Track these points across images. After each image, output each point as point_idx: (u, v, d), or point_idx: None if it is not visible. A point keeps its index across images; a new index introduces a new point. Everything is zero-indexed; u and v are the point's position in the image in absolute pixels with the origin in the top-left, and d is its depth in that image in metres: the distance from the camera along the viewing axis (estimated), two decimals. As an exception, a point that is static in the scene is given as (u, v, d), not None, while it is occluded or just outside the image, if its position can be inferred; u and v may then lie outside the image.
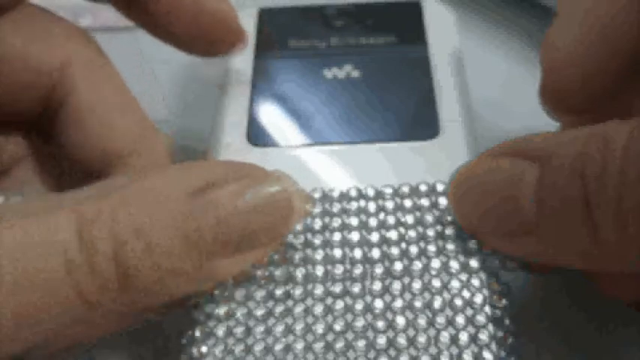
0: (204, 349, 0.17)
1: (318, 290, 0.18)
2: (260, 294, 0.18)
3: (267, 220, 0.17)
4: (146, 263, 0.16)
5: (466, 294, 0.18)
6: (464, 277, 0.18)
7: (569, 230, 0.15)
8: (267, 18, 0.25)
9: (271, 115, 0.22)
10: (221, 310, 0.18)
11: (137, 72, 0.25)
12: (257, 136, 0.22)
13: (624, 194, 0.14)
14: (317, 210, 0.19)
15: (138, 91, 0.22)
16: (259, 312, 0.18)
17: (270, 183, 0.17)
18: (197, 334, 0.18)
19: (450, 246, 0.19)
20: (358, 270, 0.18)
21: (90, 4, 0.23)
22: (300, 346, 0.17)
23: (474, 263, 0.18)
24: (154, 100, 0.27)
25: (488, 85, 0.26)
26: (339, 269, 0.18)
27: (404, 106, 0.22)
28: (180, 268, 0.16)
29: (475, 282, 0.18)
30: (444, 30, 0.24)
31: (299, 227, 0.19)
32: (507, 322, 0.18)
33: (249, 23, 0.25)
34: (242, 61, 0.24)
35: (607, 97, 0.18)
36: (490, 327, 0.17)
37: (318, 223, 0.19)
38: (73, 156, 0.20)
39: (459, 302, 0.18)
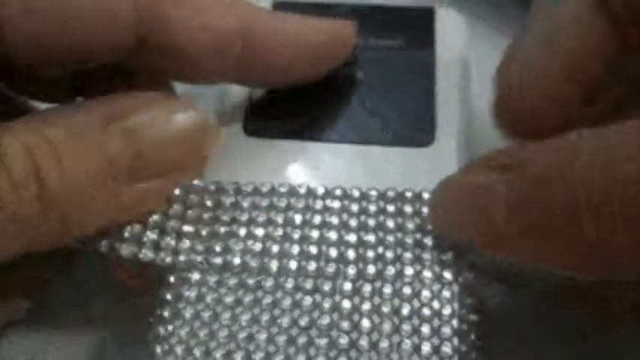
0: (170, 328, 0.18)
1: (289, 284, 0.18)
2: (232, 281, 0.18)
3: (183, 146, 0.19)
4: (62, 186, 0.17)
5: (436, 305, 0.18)
6: (436, 287, 0.18)
7: (536, 240, 0.16)
8: (280, 11, 0.25)
9: (270, 108, 0.23)
10: (192, 294, 0.18)
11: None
12: (253, 126, 0.22)
13: (589, 204, 0.14)
14: (300, 205, 0.19)
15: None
16: (228, 299, 0.18)
17: (183, 110, 0.19)
18: (165, 314, 0.18)
19: (427, 255, 0.19)
20: (331, 268, 0.18)
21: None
22: (263, 337, 0.17)
23: (447, 275, 0.18)
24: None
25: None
26: (312, 266, 0.18)
27: (402, 112, 0.22)
28: (97, 193, 0.17)
29: (446, 294, 0.18)
30: (454, 39, 0.24)
31: (280, 220, 0.19)
32: (473, 337, 0.18)
33: None
34: None
35: (562, 122, 0.18)
36: (455, 340, 0.17)
37: (298, 218, 0.19)
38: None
39: (427, 312, 0.18)
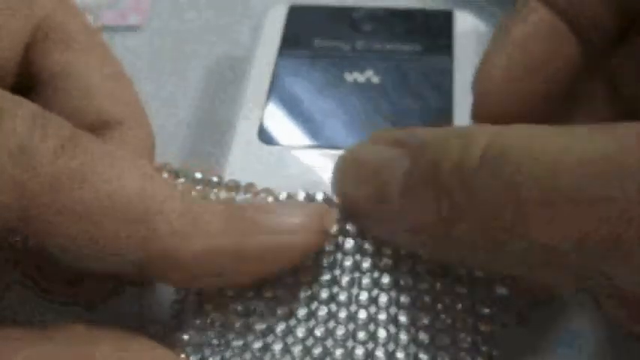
0: (185, 337, 0.18)
1: (304, 294, 0.18)
2: (248, 292, 0.18)
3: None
4: None
5: (452, 316, 0.18)
6: (448, 299, 0.18)
7: (421, 217, 0.16)
8: (296, 15, 0.25)
9: (286, 115, 0.22)
10: (210, 305, 0.18)
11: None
12: (268, 134, 0.22)
13: (475, 192, 0.15)
14: None
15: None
16: (240, 307, 0.18)
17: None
18: (186, 317, 0.18)
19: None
20: (346, 279, 0.18)
21: (91, 4, 0.23)
22: (278, 347, 0.17)
23: (461, 289, 0.18)
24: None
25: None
26: (326, 275, 0.18)
27: (418, 118, 0.22)
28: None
29: (461, 306, 0.18)
30: (472, 44, 0.24)
31: None
32: (486, 348, 0.17)
33: (278, 19, 0.25)
34: (265, 57, 0.24)
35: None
36: (473, 351, 0.17)
37: None
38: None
39: (444, 323, 0.17)
